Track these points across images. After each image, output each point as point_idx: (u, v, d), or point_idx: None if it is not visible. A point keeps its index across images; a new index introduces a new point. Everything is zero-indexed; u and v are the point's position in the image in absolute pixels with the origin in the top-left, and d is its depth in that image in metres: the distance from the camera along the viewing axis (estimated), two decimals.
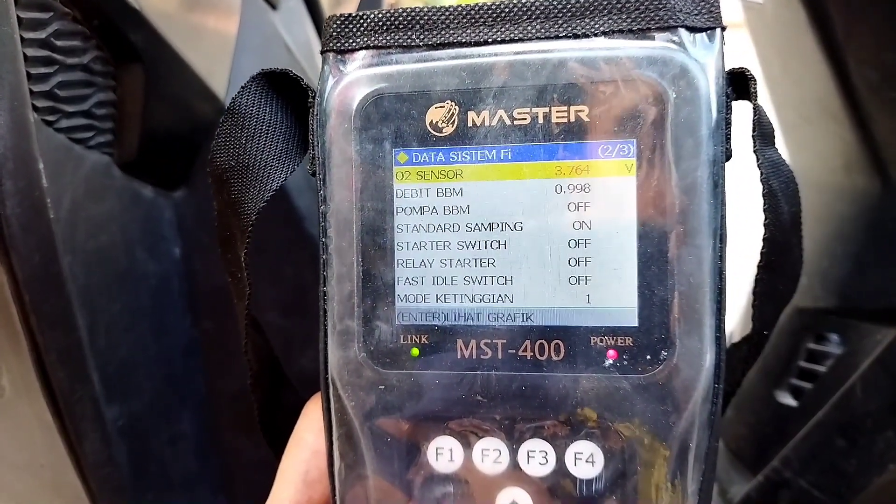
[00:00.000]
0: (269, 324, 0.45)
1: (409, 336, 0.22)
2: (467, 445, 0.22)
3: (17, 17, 0.27)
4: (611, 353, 0.21)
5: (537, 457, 0.22)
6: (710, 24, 0.21)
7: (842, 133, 0.40)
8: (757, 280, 0.24)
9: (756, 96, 0.22)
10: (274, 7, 0.51)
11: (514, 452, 0.22)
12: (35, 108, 0.30)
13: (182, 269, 0.42)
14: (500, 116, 0.21)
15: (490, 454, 0.22)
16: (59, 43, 0.30)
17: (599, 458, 0.22)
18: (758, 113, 0.22)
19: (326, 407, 0.23)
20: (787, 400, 0.44)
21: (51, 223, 0.30)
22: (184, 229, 0.42)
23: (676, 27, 0.21)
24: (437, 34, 0.22)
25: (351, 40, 0.23)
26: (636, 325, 0.21)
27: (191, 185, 0.41)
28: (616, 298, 0.21)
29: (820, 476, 0.38)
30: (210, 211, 0.42)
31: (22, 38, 0.28)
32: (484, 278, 0.22)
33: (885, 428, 0.37)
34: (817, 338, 0.43)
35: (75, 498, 0.34)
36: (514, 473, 0.22)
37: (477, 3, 0.22)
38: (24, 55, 0.28)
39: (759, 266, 0.24)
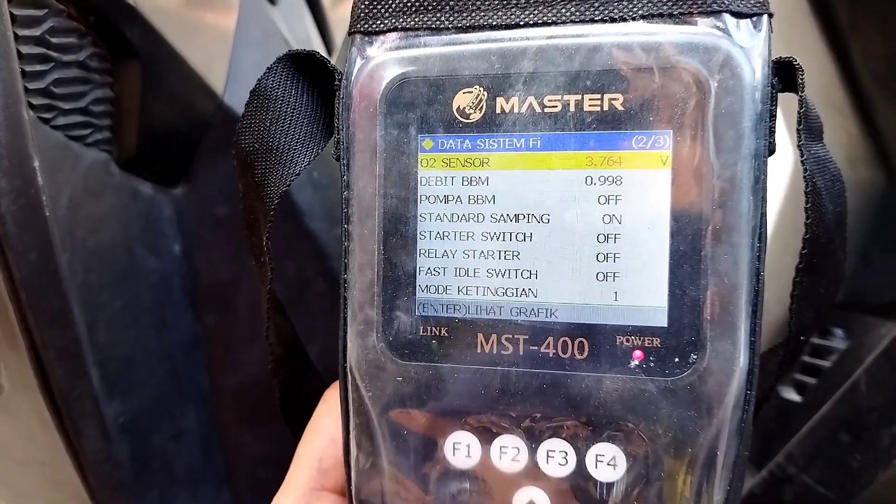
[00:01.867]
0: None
1: (429, 328, 0.22)
2: (485, 442, 0.22)
3: (11, 14, 0.27)
4: (637, 353, 0.20)
5: (557, 457, 0.21)
6: (756, 9, 0.20)
7: (846, 125, 0.39)
8: (796, 283, 0.22)
9: (804, 88, 0.20)
10: (273, 2, 0.51)
11: (533, 451, 0.21)
12: (31, 106, 0.30)
13: (183, 265, 0.42)
14: (530, 103, 0.20)
15: (508, 452, 0.22)
16: (54, 40, 0.30)
17: (622, 462, 0.21)
18: (804, 105, 0.21)
19: (344, 396, 0.23)
20: (791, 395, 0.43)
21: (47, 221, 0.30)
22: (184, 226, 0.42)
23: (720, 12, 0.19)
24: (466, 16, 0.21)
25: (379, 21, 0.22)
26: (665, 325, 0.20)
27: (190, 182, 0.41)
28: (645, 297, 0.20)
29: (824, 472, 0.38)
30: (210, 208, 0.43)
31: (16, 36, 0.28)
32: (508, 271, 0.21)
33: (890, 423, 0.36)
34: (821, 332, 0.43)
35: (76, 495, 0.34)
36: (533, 473, 0.21)
37: None
38: (19, 52, 0.28)
39: (798, 268, 0.22)
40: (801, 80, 0.20)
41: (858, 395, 0.37)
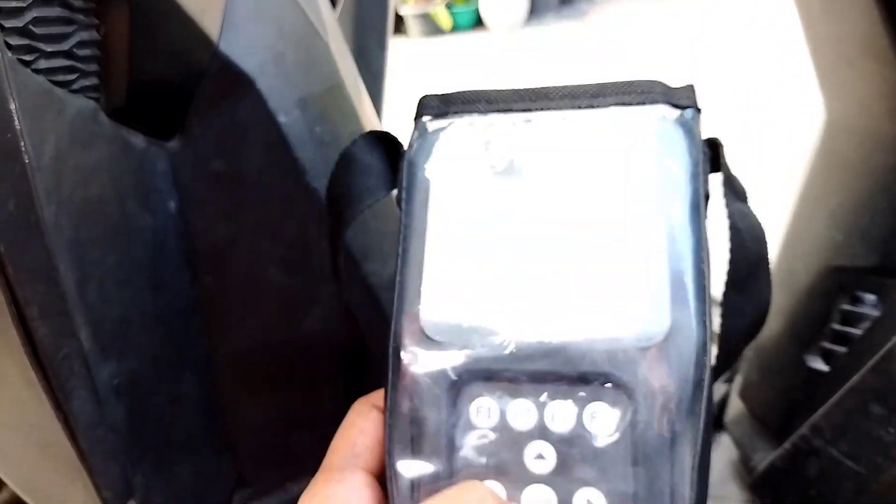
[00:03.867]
0: (271, 282, 0.43)
1: (462, 314, 0.28)
2: (503, 404, 0.27)
3: None
4: (620, 325, 0.26)
5: (559, 415, 0.27)
6: (689, 104, 0.29)
7: (887, 75, 0.36)
8: (724, 296, 0.30)
9: (725, 161, 0.29)
10: None
11: (541, 411, 0.27)
12: (8, 47, 0.28)
13: (178, 223, 0.40)
14: (539, 158, 0.30)
15: (521, 413, 0.27)
16: None
17: (611, 416, 0.26)
18: (728, 175, 0.30)
19: (394, 368, 0.28)
20: (818, 364, 0.41)
21: (27, 168, 0.28)
22: (179, 182, 0.40)
23: (665, 103, 0.29)
24: (495, 105, 0.31)
25: (436, 109, 0.32)
26: (639, 306, 0.26)
27: (185, 135, 0.39)
28: (623, 285, 0.27)
29: (854, 444, 0.36)
30: (206, 164, 0.41)
31: None
32: (523, 272, 0.28)
33: None
34: (852, 299, 0.40)
35: (66, 459, 0.33)
36: (541, 429, 0.27)
37: (525, 87, 0.31)
38: None
39: (725, 284, 0.30)
40: (723, 154, 0.29)
41: (892, 364, 0.35)
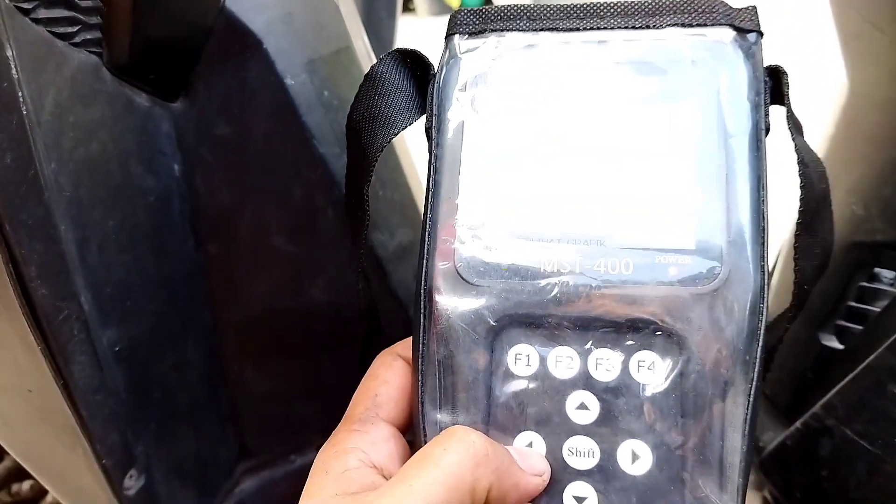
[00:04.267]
0: (277, 249, 0.42)
1: (501, 252, 0.26)
2: (543, 352, 0.26)
3: None
4: (673, 268, 0.25)
5: (605, 364, 0.25)
6: (752, 27, 0.27)
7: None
8: (796, 240, 0.28)
9: (788, 91, 0.27)
10: None
11: (584, 359, 0.25)
12: None
13: (182, 187, 0.39)
14: (588, 85, 0.27)
15: (563, 361, 0.25)
16: None
17: (660, 366, 0.25)
18: (790, 110, 0.27)
19: (426, 312, 0.27)
20: (833, 342, 0.40)
21: (25, 121, 0.27)
22: (184, 144, 0.39)
23: (727, 25, 0.27)
24: (538, 23, 0.28)
25: (471, 27, 0.29)
26: (693, 247, 0.25)
27: (190, 97, 0.38)
28: (677, 227, 0.25)
29: (869, 424, 0.35)
30: (211, 126, 0.40)
31: None
32: (567, 209, 0.26)
33: None
34: (870, 276, 0.39)
35: (66, 425, 0.32)
36: (584, 378, 0.25)
37: (573, 3, 0.28)
38: None
39: (797, 228, 0.28)
40: (786, 83, 0.27)
41: None
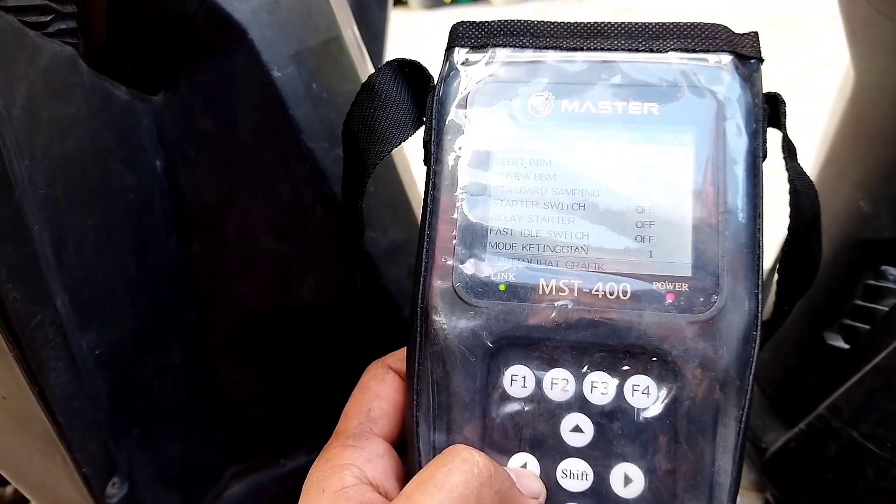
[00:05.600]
0: (264, 248, 0.41)
1: (499, 274, 0.26)
2: (539, 374, 0.26)
3: None
4: (669, 295, 0.25)
5: (600, 387, 0.25)
6: (753, 54, 0.27)
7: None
8: (782, 262, 0.29)
9: (785, 118, 0.27)
10: None
11: (580, 382, 0.25)
12: None
13: (164, 184, 0.38)
14: (588, 106, 0.27)
15: (559, 383, 0.26)
16: None
17: (654, 391, 0.25)
18: (785, 134, 0.28)
19: (422, 331, 0.26)
20: (838, 342, 0.39)
21: None
22: (166, 140, 0.37)
23: (728, 51, 0.27)
24: (542, 41, 0.28)
25: (474, 40, 0.29)
26: (690, 274, 0.25)
27: (173, 90, 0.36)
28: (674, 253, 0.25)
29: (876, 426, 0.34)
30: (194, 121, 0.38)
31: None
32: (564, 232, 0.26)
33: None
34: (877, 273, 0.38)
35: (44, 433, 0.30)
36: (579, 401, 0.25)
37: (577, 21, 0.28)
38: None
39: (785, 247, 0.28)
40: (783, 111, 0.27)
41: None
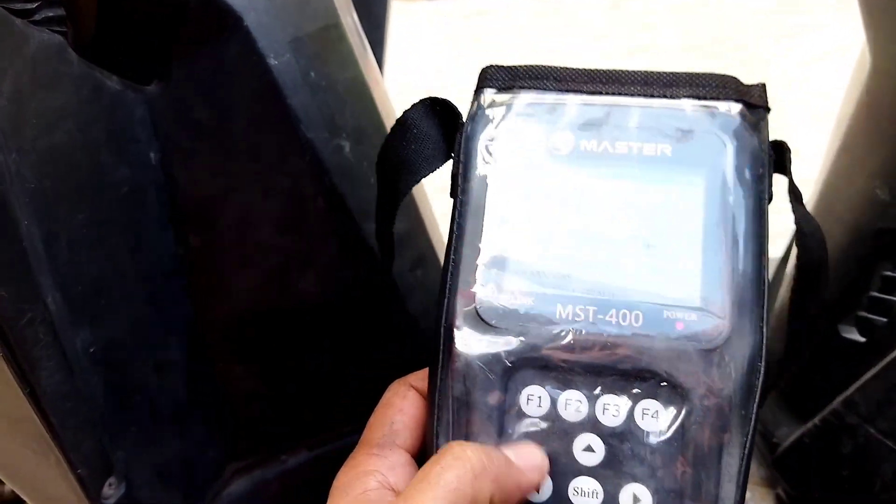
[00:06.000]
0: (263, 241, 0.40)
1: (519, 298, 0.27)
2: (554, 394, 0.27)
3: None
4: (679, 324, 0.26)
5: (611, 409, 0.26)
6: (761, 103, 0.29)
7: None
8: (792, 300, 0.30)
9: (790, 164, 0.29)
10: None
11: (592, 404, 0.27)
12: None
13: (160, 176, 0.37)
14: (605, 146, 0.29)
15: (572, 404, 0.27)
16: None
17: (663, 414, 0.26)
18: (791, 180, 0.29)
19: (445, 349, 0.28)
20: (853, 335, 0.38)
21: None
22: (160, 130, 0.36)
23: (737, 100, 0.28)
24: (564, 84, 0.30)
25: (501, 83, 0.31)
26: (698, 305, 0.26)
27: (166, 79, 0.35)
28: (684, 286, 0.27)
29: (894, 423, 0.33)
30: (189, 111, 0.37)
31: None
32: (581, 262, 0.28)
33: None
34: (894, 264, 0.37)
35: (36, 433, 0.30)
36: (591, 422, 0.27)
37: (596, 68, 0.30)
38: None
39: (794, 288, 0.30)
40: (788, 158, 0.29)
41: None
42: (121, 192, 0.34)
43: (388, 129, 0.43)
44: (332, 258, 0.41)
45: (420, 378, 0.30)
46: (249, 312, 0.42)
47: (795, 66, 2.00)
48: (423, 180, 0.46)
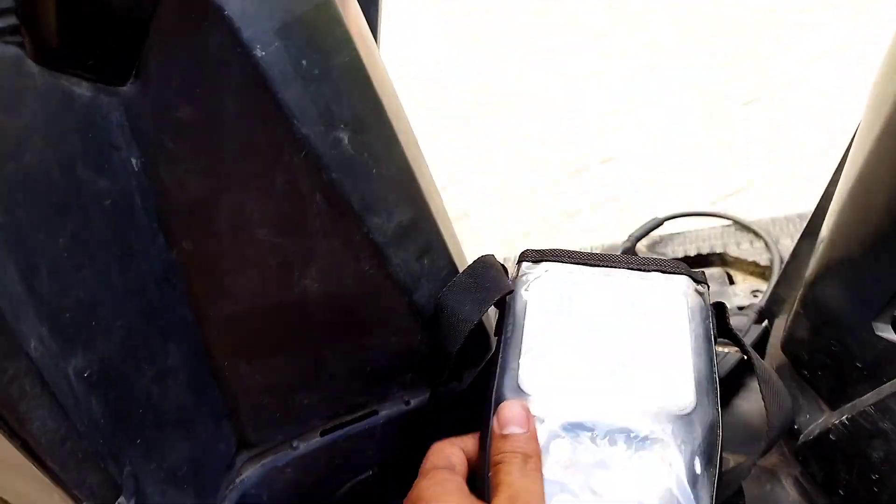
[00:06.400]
0: (261, 241, 0.37)
1: (542, 382, 0.38)
2: (574, 445, 0.36)
3: None
4: (663, 398, 0.36)
5: (618, 454, 0.35)
6: (703, 280, 0.42)
7: None
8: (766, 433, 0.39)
9: (729, 321, 0.42)
10: None
11: (601, 452, 0.35)
12: None
13: (144, 182, 0.34)
14: (600, 297, 0.42)
15: (577, 451, 0.35)
16: None
17: (650, 460, 0.34)
18: (751, 360, 0.42)
19: (491, 410, 0.37)
20: (889, 334, 0.36)
21: None
22: (140, 134, 0.33)
23: (688, 275, 0.42)
24: (578, 260, 0.44)
25: (533, 258, 0.44)
26: (675, 392, 0.37)
27: (143, 78, 0.32)
28: (662, 378, 0.37)
29: None
30: (171, 109, 0.34)
31: None
32: (588, 370, 0.38)
33: None
34: None
35: (36, 476, 0.28)
36: (602, 466, 0.35)
37: (598, 252, 0.45)
38: None
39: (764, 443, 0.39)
40: (727, 315, 0.42)
41: None
42: (103, 205, 0.32)
43: (388, 114, 0.40)
44: (335, 254, 0.39)
45: (465, 440, 0.39)
46: (252, 311, 0.40)
47: (794, 65, 1.95)
48: (432, 174, 0.44)
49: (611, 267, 0.43)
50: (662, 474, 0.34)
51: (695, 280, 0.42)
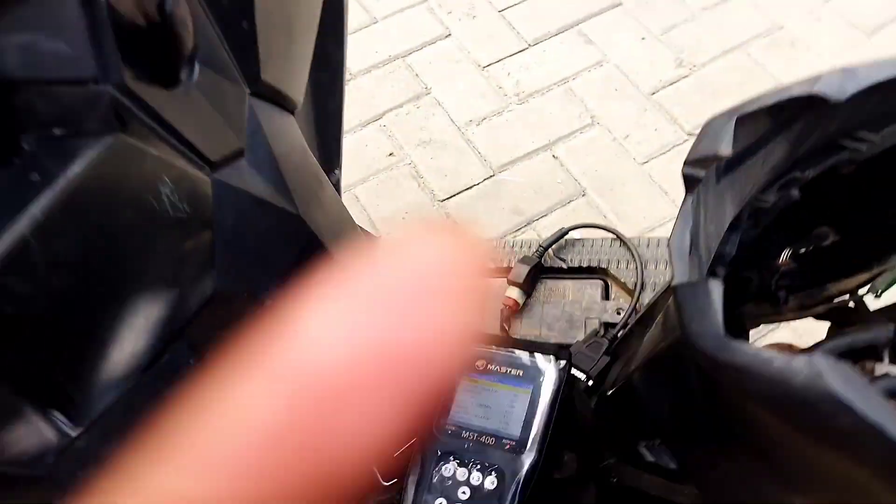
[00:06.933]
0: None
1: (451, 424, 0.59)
2: (456, 467, 0.56)
3: None
4: (509, 443, 0.56)
5: (475, 475, 0.54)
6: (565, 357, 0.58)
7: None
8: None
9: (576, 382, 0.61)
10: None
11: (469, 473, 0.55)
12: None
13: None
14: (495, 367, 0.59)
15: (459, 471, 0.55)
16: None
17: (494, 479, 0.54)
18: (576, 393, 0.62)
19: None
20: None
21: None
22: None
23: (554, 354, 0.58)
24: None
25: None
26: (518, 437, 0.56)
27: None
28: (515, 429, 0.56)
29: None
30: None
31: None
32: (479, 422, 0.58)
33: None
34: None
35: None
36: (465, 481, 0.54)
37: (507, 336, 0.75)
38: None
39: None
40: (579, 387, 0.61)
41: None
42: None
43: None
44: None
45: None
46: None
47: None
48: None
49: (505, 349, 0.60)
50: (495, 493, 0.54)
51: (559, 358, 0.58)
